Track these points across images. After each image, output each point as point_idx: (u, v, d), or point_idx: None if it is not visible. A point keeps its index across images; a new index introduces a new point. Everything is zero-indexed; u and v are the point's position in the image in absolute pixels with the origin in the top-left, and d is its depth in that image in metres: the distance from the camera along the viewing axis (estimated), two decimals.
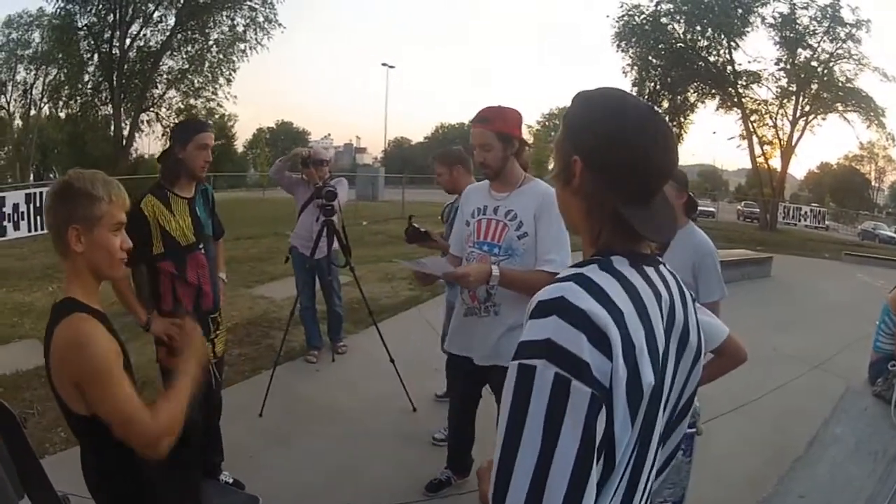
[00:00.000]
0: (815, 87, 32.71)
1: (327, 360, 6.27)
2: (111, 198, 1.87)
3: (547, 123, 73.67)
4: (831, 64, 32.36)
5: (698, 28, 33.68)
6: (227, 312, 3.78)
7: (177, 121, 29.56)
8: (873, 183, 70.45)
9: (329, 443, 4.59)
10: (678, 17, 34.08)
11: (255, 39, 30.24)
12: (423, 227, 4.79)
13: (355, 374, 5.95)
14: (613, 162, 1.20)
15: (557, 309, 1.06)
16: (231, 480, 3.91)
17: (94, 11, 27.40)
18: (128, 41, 28.10)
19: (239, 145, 66.43)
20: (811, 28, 31.94)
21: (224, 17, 29.61)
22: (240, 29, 30.04)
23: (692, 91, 36.38)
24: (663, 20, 34.33)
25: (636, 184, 1.21)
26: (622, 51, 35.70)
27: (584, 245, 1.32)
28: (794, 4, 31.60)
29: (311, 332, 6.34)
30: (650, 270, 1.25)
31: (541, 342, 1.04)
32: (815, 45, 32.28)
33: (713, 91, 35.58)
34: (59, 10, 27.34)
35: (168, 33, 28.82)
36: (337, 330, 6.49)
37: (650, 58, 35.50)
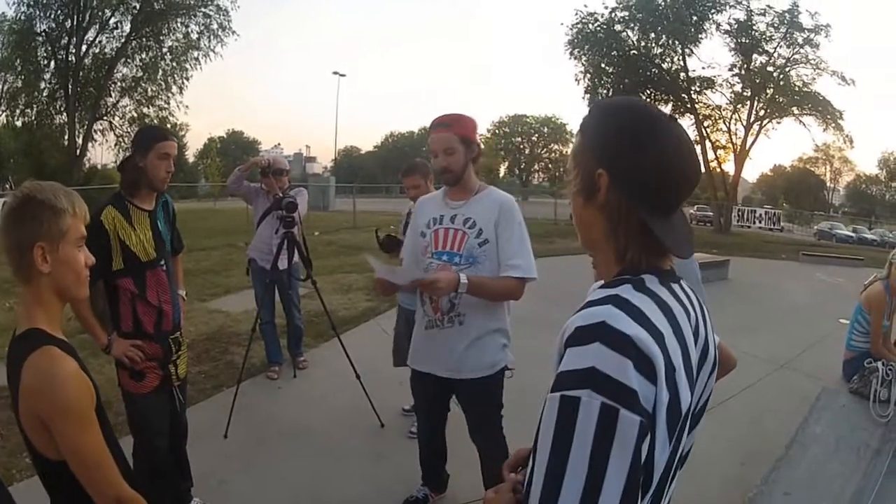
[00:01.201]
0: (770, 91, 33.34)
1: (289, 375, 6.10)
2: (75, 210, 1.71)
3: (497, 132, 74.17)
4: (788, 69, 33.04)
5: (652, 35, 34.13)
6: (184, 328, 3.59)
7: (129, 130, 29.61)
8: (829, 184, 72.02)
9: (297, 462, 4.44)
10: (632, 25, 34.53)
11: (209, 47, 30.38)
12: (399, 237, 4.71)
13: (319, 389, 5.80)
14: (642, 174, 1.15)
15: (600, 335, 1.02)
16: None
17: (52, 16, 27.17)
18: (84, 48, 27.92)
19: (190, 155, 65.99)
20: (768, 34, 32.58)
21: (179, 25, 29.63)
22: (194, 36, 30.13)
23: (645, 98, 36.79)
24: (617, 27, 34.74)
25: (664, 195, 1.18)
26: (575, 58, 36.00)
27: (603, 263, 1.26)
28: (752, 11, 32.25)
29: (272, 348, 6.16)
30: (676, 288, 1.21)
31: (584, 371, 1.00)
32: (772, 51, 32.95)
33: (666, 97, 36.01)
34: (20, 15, 27.02)
35: (123, 40, 28.66)
36: (297, 344, 6.33)
37: (603, 65, 35.83)
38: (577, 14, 35.04)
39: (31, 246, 1.65)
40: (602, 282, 1.24)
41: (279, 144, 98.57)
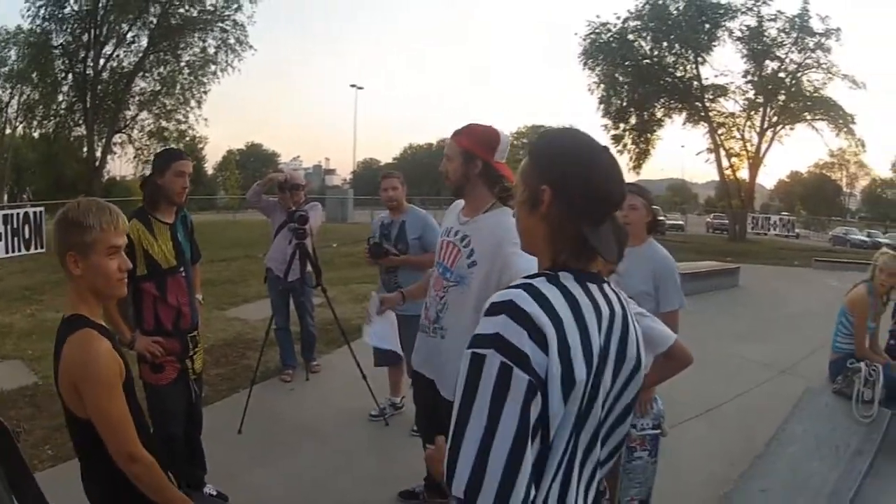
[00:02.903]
0: (782, 97, 33.33)
1: (301, 378, 6.39)
2: (102, 226, 2.00)
3: (514, 142, 73.74)
4: (799, 74, 33.03)
5: (665, 44, 34.23)
6: (203, 334, 3.93)
7: (148, 143, 29.76)
8: (845, 189, 71.29)
9: (307, 458, 4.70)
10: (645, 34, 34.65)
11: (226, 61, 30.52)
12: (385, 245, 4.99)
13: (329, 391, 6.08)
14: (578, 192, 1.42)
15: (506, 309, 1.29)
16: (215, 493, 4.02)
17: (69, 30, 27.46)
18: (101, 62, 28.18)
19: (209, 167, 66.11)
20: (779, 39, 32.62)
21: (196, 39, 29.83)
22: (211, 51, 30.30)
23: (659, 107, 36.81)
24: (630, 37, 34.80)
25: (593, 210, 1.43)
26: (589, 68, 36.14)
27: (542, 263, 1.51)
28: (762, 17, 32.25)
29: (286, 352, 6.46)
30: (594, 287, 1.45)
31: (491, 335, 1.27)
32: (783, 56, 32.98)
33: (680, 106, 36.03)
34: (36, 28, 27.32)
35: (141, 54, 28.92)
36: (310, 349, 6.62)
37: (616, 75, 35.92)
38: (589, 24, 35.23)
39: (64, 253, 2.00)
40: None
41: (298, 157, 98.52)
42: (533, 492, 1.27)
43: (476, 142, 2.98)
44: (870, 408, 4.69)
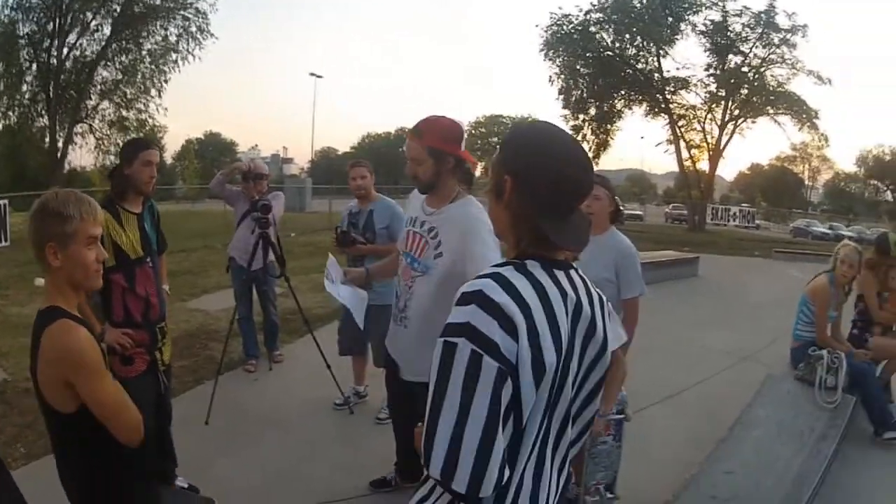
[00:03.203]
0: (745, 91, 33.74)
1: (265, 368, 6.37)
2: (82, 215, 1.99)
3: (473, 132, 73.79)
4: (763, 69, 33.51)
5: (627, 36, 34.40)
6: (168, 324, 3.88)
7: (109, 133, 29.27)
8: (807, 182, 72.75)
9: (274, 448, 4.68)
10: (607, 27, 34.75)
11: (187, 50, 29.94)
12: (353, 234, 4.98)
13: (293, 381, 6.06)
14: (538, 182, 1.44)
15: (476, 299, 1.33)
16: (186, 485, 4.00)
17: (35, 19, 26.82)
18: (65, 50, 27.60)
19: (168, 157, 65.33)
20: (743, 34, 33.05)
21: (158, 27, 29.26)
22: (172, 39, 29.73)
23: (619, 98, 37.07)
24: (592, 29, 34.95)
25: (557, 201, 1.46)
26: (549, 60, 36.24)
27: (507, 250, 1.57)
28: (727, 12, 32.65)
29: (249, 342, 6.43)
30: (560, 274, 1.49)
31: (462, 324, 1.32)
32: (747, 51, 33.40)
33: (640, 98, 36.31)
34: (3, 18, 26.66)
35: (104, 43, 28.35)
36: (273, 339, 6.58)
37: (577, 66, 36.07)
38: (551, 16, 35.31)
39: (44, 245, 1.97)
40: None
41: (256, 146, 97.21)
42: (507, 473, 1.33)
43: (443, 139, 2.94)
44: (833, 394, 4.76)
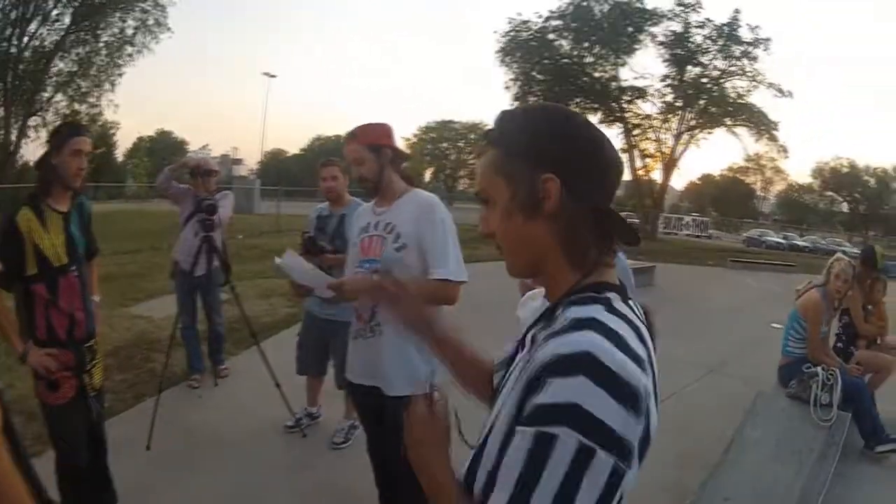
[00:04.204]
0: (703, 102, 34.22)
1: (210, 384, 5.88)
2: None
3: (424, 137, 73.88)
4: (722, 80, 33.98)
5: (586, 44, 34.64)
6: (106, 334, 3.39)
7: None
8: (759, 192, 74.45)
9: (222, 475, 4.26)
10: (566, 34, 34.97)
11: (143, 43, 29.73)
12: (320, 240, 4.54)
13: (240, 399, 5.59)
14: (594, 170, 1.12)
15: (585, 367, 0.93)
16: None
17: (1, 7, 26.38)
18: (26, 39, 27.09)
19: (120, 154, 64.22)
20: (704, 46, 33.46)
21: (117, 19, 28.92)
22: (129, 31, 29.40)
23: (574, 106, 37.17)
24: (551, 36, 35.17)
25: (610, 189, 1.15)
26: (506, 66, 36.37)
27: (553, 280, 1.17)
28: (690, 24, 33.06)
29: (194, 355, 5.92)
30: (633, 304, 1.15)
31: (566, 407, 0.91)
32: (707, 63, 33.83)
33: (596, 106, 36.53)
34: None
35: (63, 33, 27.84)
36: (218, 351, 6.11)
37: (534, 73, 36.15)
38: (510, 21, 35.43)
39: None
40: (540, 291, 1.21)
41: (207, 145, 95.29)
42: None
43: (377, 136, 3.04)
44: (829, 411, 4.65)
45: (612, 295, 1.08)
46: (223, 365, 6.13)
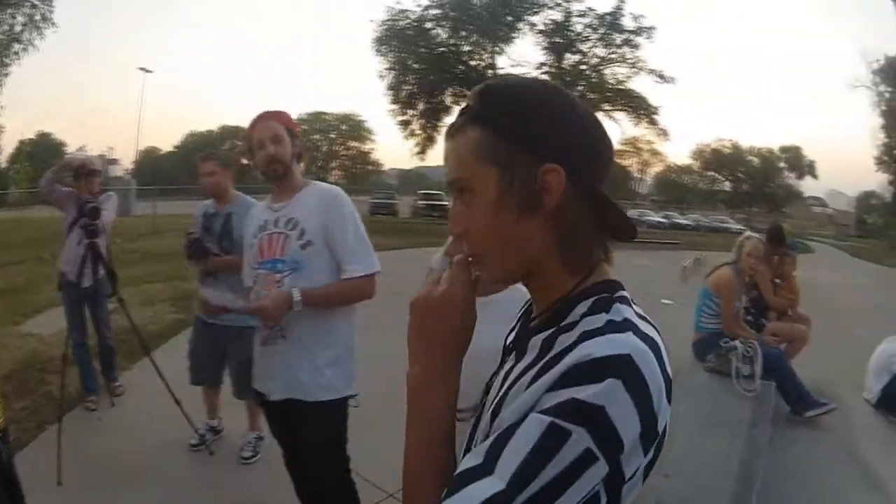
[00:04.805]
0: (581, 88, 34.71)
1: (106, 404, 5.46)
2: None
3: (307, 128, 72.87)
4: (601, 67, 34.81)
5: (463, 33, 34.70)
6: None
7: None
8: (636, 174, 77.28)
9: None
10: (444, 23, 34.92)
11: (29, 40, 28.27)
12: (206, 242, 4.29)
13: (139, 419, 5.20)
14: (593, 160, 0.98)
15: (622, 372, 0.83)
16: None
17: None
18: None
19: (2, 160, 60.78)
20: (584, 34, 34.07)
21: (7, 16, 27.38)
22: (18, 28, 27.88)
23: (449, 94, 37.14)
24: (428, 25, 35.06)
25: (610, 177, 1.01)
26: (381, 55, 36.07)
27: (545, 283, 1.03)
28: (570, 13, 33.58)
29: (87, 374, 5.48)
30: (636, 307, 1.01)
31: (591, 408, 0.81)
32: (586, 50, 34.48)
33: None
34: None
35: None
36: (111, 366, 5.70)
37: (409, 62, 35.97)
38: (388, 10, 35.18)
39: None
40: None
41: (84, 146, 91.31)
42: None
43: (291, 121, 2.96)
44: (752, 382, 4.83)
45: (626, 293, 0.98)
46: (117, 382, 5.74)
